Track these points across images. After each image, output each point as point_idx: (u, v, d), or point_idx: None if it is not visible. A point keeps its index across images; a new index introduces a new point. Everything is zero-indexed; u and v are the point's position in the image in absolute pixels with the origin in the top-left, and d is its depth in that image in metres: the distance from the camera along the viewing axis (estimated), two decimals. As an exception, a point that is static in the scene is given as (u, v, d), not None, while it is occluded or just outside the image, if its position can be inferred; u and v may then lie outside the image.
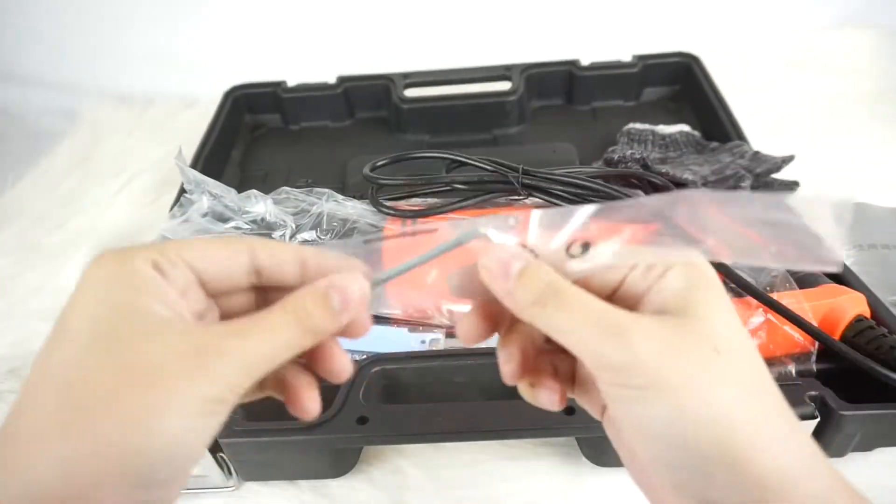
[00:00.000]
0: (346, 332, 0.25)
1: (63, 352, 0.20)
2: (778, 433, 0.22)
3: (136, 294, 0.21)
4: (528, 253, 0.25)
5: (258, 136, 0.81)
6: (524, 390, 0.28)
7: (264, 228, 0.52)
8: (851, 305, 0.43)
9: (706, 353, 0.21)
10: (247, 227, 0.52)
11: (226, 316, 0.25)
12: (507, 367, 0.26)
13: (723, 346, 0.22)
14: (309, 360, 0.26)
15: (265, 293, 0.26)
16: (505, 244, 0.25)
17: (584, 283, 0.24)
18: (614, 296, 0.24)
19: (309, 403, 0.26)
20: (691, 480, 0.22)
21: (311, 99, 0.79)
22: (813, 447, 0.22)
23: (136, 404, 0.19)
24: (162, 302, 0.21)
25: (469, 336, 0.27)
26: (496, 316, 0.26)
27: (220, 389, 0.21)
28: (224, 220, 0.53)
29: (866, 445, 0.42)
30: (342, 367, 0.26)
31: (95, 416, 0.19)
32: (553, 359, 0.28)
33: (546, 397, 0.27)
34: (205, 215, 0.53)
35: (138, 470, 0.19)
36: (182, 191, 0.57)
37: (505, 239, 0.26)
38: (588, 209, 0.25)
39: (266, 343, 0.22)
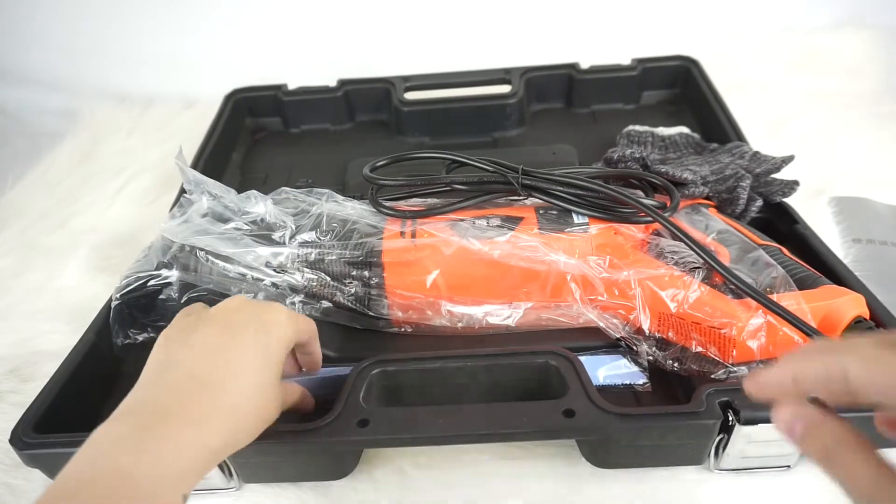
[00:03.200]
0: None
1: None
2: None
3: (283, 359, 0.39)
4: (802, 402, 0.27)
5: (259, 138, 0.81)
6: None
7: (264, 229, 0.52)
8: (851, 307, 0.43)
9: None
10: (246, 227, 0.52)
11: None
12: None
13: None
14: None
15: None
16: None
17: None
18: None
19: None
20: None
21: (311, 102, 0.79)
22: None
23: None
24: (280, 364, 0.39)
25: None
26: None
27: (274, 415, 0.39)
28: (224, 220, 0.52)
29: (866, 447, 0.42)
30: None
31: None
32: None
33: None
34: (204, 216, 0.53)
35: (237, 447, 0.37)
36: (182, 191, 0.57)
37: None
38: None
39: (288, 402, 0.41)
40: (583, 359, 0.44)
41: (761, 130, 0.70)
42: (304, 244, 0.50)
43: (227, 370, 0.36)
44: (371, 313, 0.50)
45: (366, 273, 0.49)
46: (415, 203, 0.53)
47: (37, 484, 0.47)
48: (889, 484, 0.24)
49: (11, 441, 0.42)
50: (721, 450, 0.42)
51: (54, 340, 0.58)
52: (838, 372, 0.25)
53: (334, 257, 0.49)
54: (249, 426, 0.36)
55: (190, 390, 0.34)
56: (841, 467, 0.25)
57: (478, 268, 0.48)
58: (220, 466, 0.44)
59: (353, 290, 0.50)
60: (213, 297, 0.52)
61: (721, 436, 0.41)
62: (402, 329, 0.51)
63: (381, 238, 0.50)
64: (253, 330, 0.38)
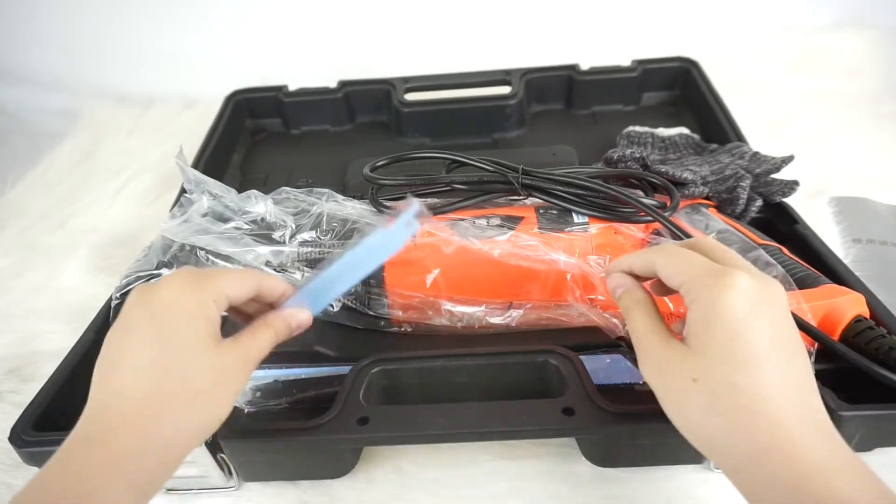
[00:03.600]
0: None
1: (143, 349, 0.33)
2: (799, 400, 0.30)
3: (210, 326, 0.35)
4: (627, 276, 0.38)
5: (259, 139, 0.81)
6: None
7: (264, 228, 0.52)
8: (851, 306, 0.43)
9: (685, 380, 0.31)
10: (247, 226, 0.52)
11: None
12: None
13: (700, 377, 0.31)
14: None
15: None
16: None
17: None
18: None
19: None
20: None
21: (312, 103, 0.79)
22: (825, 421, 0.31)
23: (206, 406, 0.34)
24: (215, 332, 0.35)
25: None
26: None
27: (240, 386, 0.36)
28: (224, 220, 0.52)
29: (866, 446, 0.42)
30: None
31: (185, 415, 0.33)
32: None
33: None
34: (205, 215, 0.53)
35: (208, 432, 0.35)
36: (182, 190, 0.57)
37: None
38: None
39: (260, 351, 0.37)
40: (583, 358, 0.44)
41: (761, 130, 0.70)
42: (304, 243, 0.50)
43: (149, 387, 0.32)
44: (371, 312, 0.50)
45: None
46: (415, 203, 0.53)
47: (36, 483, 0.47)
48: (658, 331, 0.34)
49: (11, 439, 0.42)
50: (721, 449, 0.42)
51: (54, 340, 0.58)
52: (650, 263, 0.36)
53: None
54: (196, 420, 0.34)
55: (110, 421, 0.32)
56: (633, 318, 0.36)
57: (478, 267, 0.48)
58: (220, 465, 0.43)
59: (352, 289, 0.50)
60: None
61: (721, 435, 0.41)
62: (403, 328, 0.51)
63: None
64: (151, 337, 0.34)
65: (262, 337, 0.38)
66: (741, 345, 0.30)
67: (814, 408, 0.31)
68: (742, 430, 0.29)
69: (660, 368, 0.32)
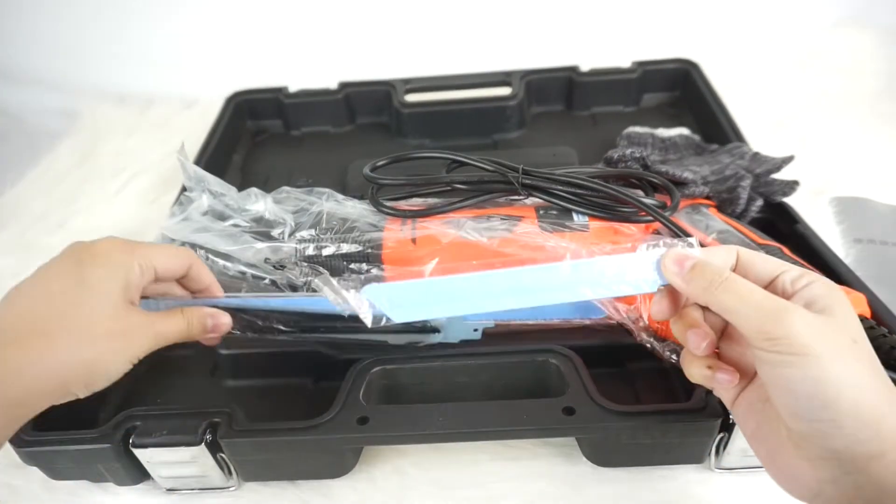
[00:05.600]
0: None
1: (60, 295, 0.35)
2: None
3: (128, 286, 0.37)
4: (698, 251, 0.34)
5: (259, 141, 0.81)
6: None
7: (263, 226, 0.52)
8: (852, 305, 0.43)
9: (847, 340, 0.29)
10: (246, 224, 0.52)
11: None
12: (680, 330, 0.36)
13: (858, 339, 0.29)
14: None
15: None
16: (677, 247, 0.35)
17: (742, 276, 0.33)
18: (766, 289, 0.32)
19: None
20: (824, 432, 0.28)
21: (312, 104, 0.79)
22: None
23: (97, 350, 0.35)
24: (135, 294, 0.38)
25: (658, 314, 0.36)
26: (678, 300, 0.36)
27: (136, 351, 0.37)
28: (224, 218, 0.52)
29: (867, 446, 0.42)
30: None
31: (76, 348, 0.34)
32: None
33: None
34: (205, 213, 0.53)
35: (92, 379, 0.36)
36: (183, 189, 0.57)
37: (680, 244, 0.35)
38: None
39: (167, 332, 0.39)
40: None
41: (761, 131, 0.70)
42: (302, 241, 0.50)
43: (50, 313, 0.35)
44: None
45: (364, 266, 0.49)
46: (415, 203, 0.53)
47: (36, 484, 0.47)
48: (772, 299, 0.30)
49: (10, 439, 0.42)
50: (722, 448, 0.42)
51: (54, 340, 0.58)
52: (733, 256, 0.34)
53: (333, 251, 0.49)
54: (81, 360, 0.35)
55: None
56: (732, 286, 0.32)
57: (477, 259, 0.48)
58: (220, 465, 0.43)
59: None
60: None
61: (722, 434, 0.41)
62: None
63: (381, 230, 0.50)
64: (71, 268, 0.37)
65: (173, 322, 0.39)
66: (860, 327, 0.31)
67: None
68: None
69: (822, 331, 0.29)
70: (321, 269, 0.49)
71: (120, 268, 0.37)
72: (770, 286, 0.32)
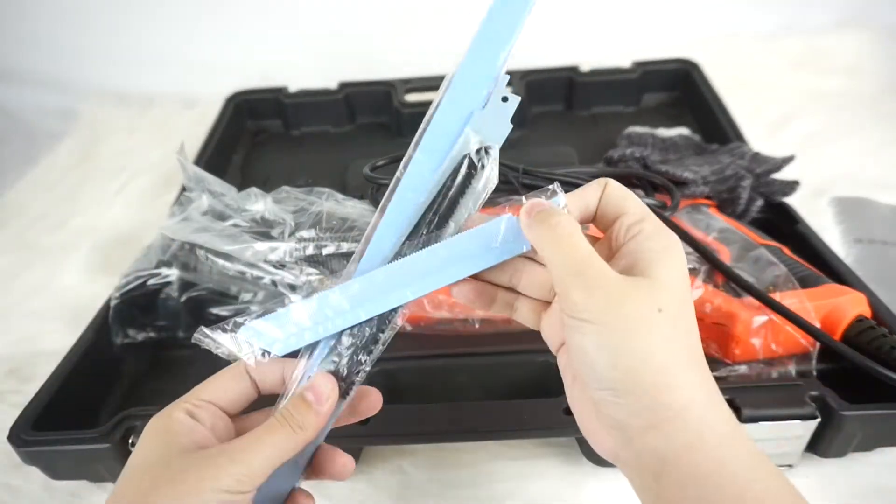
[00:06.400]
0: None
1: (132, 482, 0.29)
2: (690, 379, 0.27)
3: (175, 437, 0.29)
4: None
5: (259, 141, 0.81)
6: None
7: (263, 226, 0.52)
8: (852, 305, 0.43)
9: (650, 309, 0.27)
10: (245, 224, 0.52)
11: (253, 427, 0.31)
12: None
13: (666, 306, 0.27)
14: (316, 472, 0.34)
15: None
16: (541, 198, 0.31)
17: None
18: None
19: (340, 459, 0.34)
20: (608, 404, 0.27)
21: (312, 104, 0.79)
22: (719, 396, 0.27)
23: (180, 495, 0.27)
24: (193, 439, 0.30)
25: (464, 298, 0.33)
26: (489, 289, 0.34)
27: (232, 484, 0.28)
28: (224, 218, 0.52)
29: (867, 445, 0.42)
30: (344, 464, 0.34)
31: None
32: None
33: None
34: (205, 213, 0.53)
35: None
36: (183, 189, 0.57)
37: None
38: None
39: (262, 451, 0.29)
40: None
41: (762, 131, 0.70)
42: (302, 241, 0.50)
43: None
44: None
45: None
46: (415, 202, 0.53)
47: (36, 485, 0.47)
48: (600, 259, 0.28)
49: (10, 439, 0.42)
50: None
51: (54, 340, 0.58)
52: (599, 191, 0.31)
53: (332, 250, 0.49)
54: None
55: None
56: (569, 241, 0.28)
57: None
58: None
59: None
60: (213, 296, 0.52)
61: (722, 434, 0.41)
62: (403, 328, 0.51)
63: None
64: None
65: (262, 442, 0.29)
66: (687, 286, 0.29)
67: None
68: (700, 371, 0.27)
69: (618, 299, 0.27)
70: (322, 268, 0.49)
71: (158, 431, 0.30)
72: (611, 229, 0.30)
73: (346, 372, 0.32)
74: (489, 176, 0.33)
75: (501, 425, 0.41)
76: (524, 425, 0.41)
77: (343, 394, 0.32)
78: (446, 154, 0.34)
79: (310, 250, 0.49)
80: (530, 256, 0.32)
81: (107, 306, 0.52)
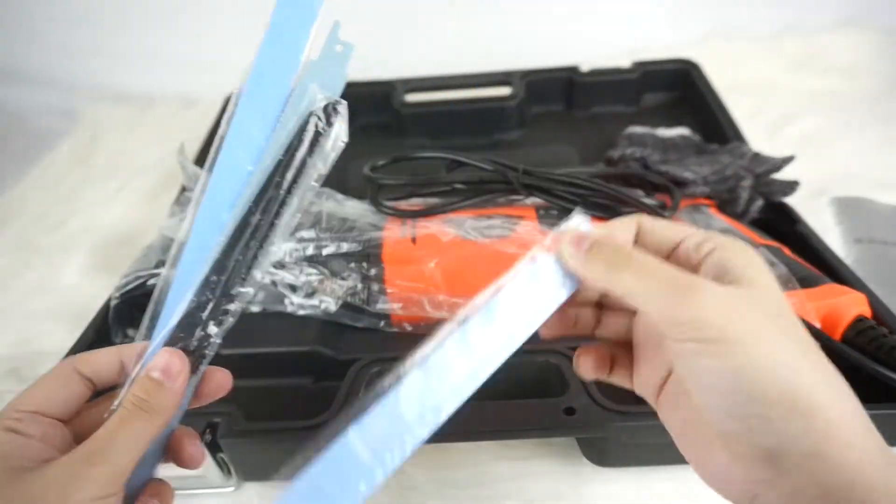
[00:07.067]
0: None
1: None
2: (837, 391, 0.24)
3: (3, 460, 0.25)
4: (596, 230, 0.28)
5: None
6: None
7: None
8: (852, 305, 0.43)
9: (768, 314, 0.24)
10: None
11: (93, 428, 0.28)
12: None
13: (780, 312, 0.24)
14: (169, 455, 0.31)
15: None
16: (572, 228, 0.29)
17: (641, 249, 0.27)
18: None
19: (192, 450, 0.31)
20: (753, 428, 0.23)
21: (312, 104, 0.79)
22: (864, 411, 0.24)
23: None
24: (27, 456, 0.26)
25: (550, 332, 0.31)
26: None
27: (99, 488, 0.25)
28: (224, 219, 0.52)
29: (867, 446, 0.42)
30: (194, 455, 0.31)
31: None
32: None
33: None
34: (205, 214, 0.53)
35: None
36: (183, 189, 0.57)
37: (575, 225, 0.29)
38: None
39: (122, 444, 0.26)
40: None
41: (762, 131, 0.70)
42: (302, 241, 0.50)
43: None
44: (370, 309, 0.50)
45: (364, 265, 0.49)
46: (415, 203, 0.54)
47: (35, 483, 0.47)
48: (685, 275, 0.25)
49: (10, 439, 0.42)
50: (722, 449, 0.42)
51: (54, 340, 0.58)
52: (634, 227, 0.29)
53: (333, 250, 0.49)
54: None
55: None
56: (645, 263, 0.26)
57: (477, 257, 0.48)
58: (219, 465, 0.43)
59: (351, 284, 0.50)
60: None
61: (722, 434, 0.41)
62: (403, 328, 0.51)
63: (381, 230, 0.50)
64: None
65: (118, 435, 0.26)
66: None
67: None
68: (840, 382, 0.24)
69: (739, 310, 0.24)
70: (322, 268, 0.49)
71: None
72: (672, 256, 0.28)
73: (194, 346, 0.30)
74: (338, 134, 0.31)
75: (501, 425, 0.41)
76: (524, 425, 0.41)
77: (193, 370, 0.29)
78: (279, 111, 0.31)
79: (310, 250, 0.49)
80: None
81: (107, 306, 0.52)
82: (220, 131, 0.31)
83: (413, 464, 0.46)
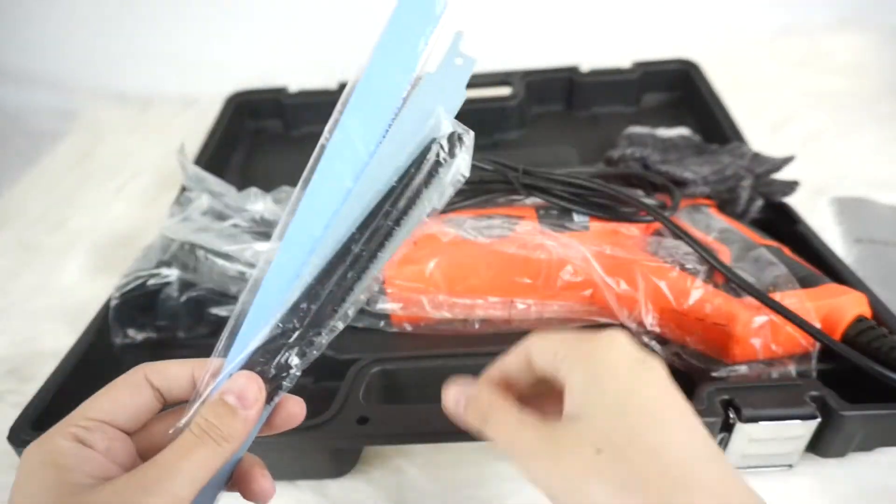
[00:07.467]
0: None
1: None
2: None
3: (64, 473, 0.24)
4: (471, 383, 0.31)
5: (259, 141, 0.81)
6: None
7: (263, 226, 0.52)
8: (852, 305, 0.43)
9: (586, 454, 0.24)
10: (245, 224, 0.52)
11: (158, 443, 0.27)
12: None
13: (604, 445, 0.24)
14: (235, 485, 0.29)
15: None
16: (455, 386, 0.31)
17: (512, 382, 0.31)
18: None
19: (263, 483, 0.30)
20: None
21: (312, 104, 0.79)
22: None
23: None
24: (87, 472, 0.25)
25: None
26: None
27: None
28: (223, 218, 0.52)
29: (867, 445, 0.42)
30: (264, 489, 0.29)
31: None
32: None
33: None
34: (204, 213, 0.53)
35: None
36: (182, 189, 0.57)
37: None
38: None
39: (183, 474, 0.25)
40: None
41: (762, 131, 0.70)
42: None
43: None
44: (370, 309, 0.50)
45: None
46: (415, 202, 0.53)
47: (35, 483, 0.47)
48: (530, 419, 0.27)
49: (10, 439, 0.42)
50: (722, 448, 0.42)
51: (54, 340, 0.58)
52: (524, 349, 0.30)
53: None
54: None
55: None
56: (495, 421, 0.28)
57: (476, 257, 0.48)
58: (220, 465, 0.43)
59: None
60: (213, 296, 0.52)
61: (722, 434, 0.41)
62: (403, 328, 0.51)
63: None
64: None
65: (180, 464, 0.25)
66: (639, 397, 0.25)
67: (730, 469, 0.25)
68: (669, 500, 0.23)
69: (552, 454, 0.25)
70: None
71: (42, 468, 0.25)
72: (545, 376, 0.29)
73: (272, 374, 0.28)
74: (459, 167, 0.28)
75: (501, 425, 0.41)
76: (524, 425, 0.41)
77: (268, 399, 0.28)
78: (387, 125, 0.28)
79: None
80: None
81: (107, 306, 0.52)
82: (322, 139, 0.28)
83: (413, 463, 0.46)
